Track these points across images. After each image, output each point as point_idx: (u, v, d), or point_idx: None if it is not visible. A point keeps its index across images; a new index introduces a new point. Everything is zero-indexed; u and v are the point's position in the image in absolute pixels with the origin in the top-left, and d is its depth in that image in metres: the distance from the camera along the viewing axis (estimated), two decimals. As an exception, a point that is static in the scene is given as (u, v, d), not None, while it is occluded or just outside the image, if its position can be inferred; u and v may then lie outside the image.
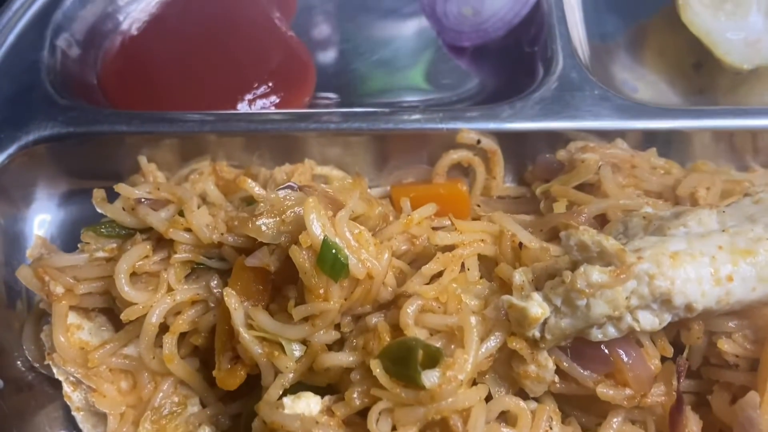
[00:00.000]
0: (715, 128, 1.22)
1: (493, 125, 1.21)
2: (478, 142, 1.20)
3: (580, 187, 1.13)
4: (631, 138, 1.23)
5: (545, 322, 0.85)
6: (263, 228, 0.92)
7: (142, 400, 1.01)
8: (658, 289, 0.82)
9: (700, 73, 1.43)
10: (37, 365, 1.09)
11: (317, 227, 0.88)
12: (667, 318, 0.85)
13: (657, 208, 1.01)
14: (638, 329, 0.85)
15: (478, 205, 1.20)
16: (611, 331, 0.85)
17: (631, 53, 1.49)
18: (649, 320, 0.84)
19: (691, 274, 0.82)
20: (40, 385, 1.10)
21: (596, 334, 0.85)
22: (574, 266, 0.88)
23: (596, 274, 0.82)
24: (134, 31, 1.37)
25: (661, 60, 1.47)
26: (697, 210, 0.91)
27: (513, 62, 1.41)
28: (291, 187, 1.02)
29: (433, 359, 0.83)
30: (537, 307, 0.83)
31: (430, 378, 0.81)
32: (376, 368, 0.83)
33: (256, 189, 1.01)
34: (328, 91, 1.43)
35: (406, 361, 0.82)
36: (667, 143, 1.24)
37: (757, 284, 0.84)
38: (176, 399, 1.00)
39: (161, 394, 1.00)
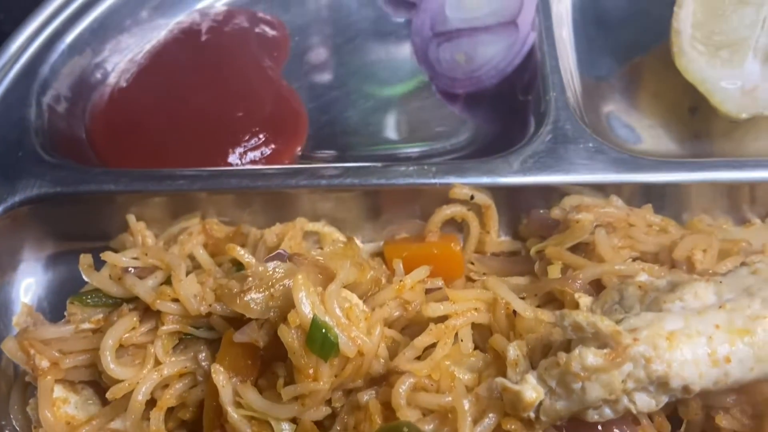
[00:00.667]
0: (711, 181, 1.20)
1: (486, 180, 1.20)
2: (472, 197, 1.18)
3: (576, 246, 1.11)
4: (626, 191, 1.21)
5: (540, 403, 0.83)
6: (251, 304, 0.90)
7: (130, 475, 0.99)
8: (654, 373, 0.80)
9: (696, 117, 1.41)
10: (24, 436, 1.07)
11: (306, 305, 0.86)
12: (664, 399, 0.83)
13: (653, 274, 0.99)
14: (635, 411, 0.83)
15: (472, 263, 1.18)
16: (607, 412, 0.83)
17: (627, 96, 1.47)
18: (645, 402, 0.82)
19: (688, 355, 0.81)
20: (27, 455, 1.08)
21: (592, 415, 0.84)
22: (569, 342, 0.87)
23: (591, 357, 0.80)
24: (123, 83, 1.35)
25: (656, 103, 1.46)
26: (693, 282, 0.89)
27: (507, 110, 1.39)
28: (281, 256, 1.01)
29: (425, 446, 0.81)
30: (531, 391, 0.81)
31: (422, 467, 0.79)
32: (367, 456, 0.81)
33: (245, 257, 1.00)
34: (321, 140, 1.41)
35: (397, 448, 0.81)
36: (662, 196, 1.22)
37: (755, 364, 0.82)
38: (164, 475, 0.98)
39: (148, 470, 0.98)
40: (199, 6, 1.52)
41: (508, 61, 1.36)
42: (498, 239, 1.24)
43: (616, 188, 1.21)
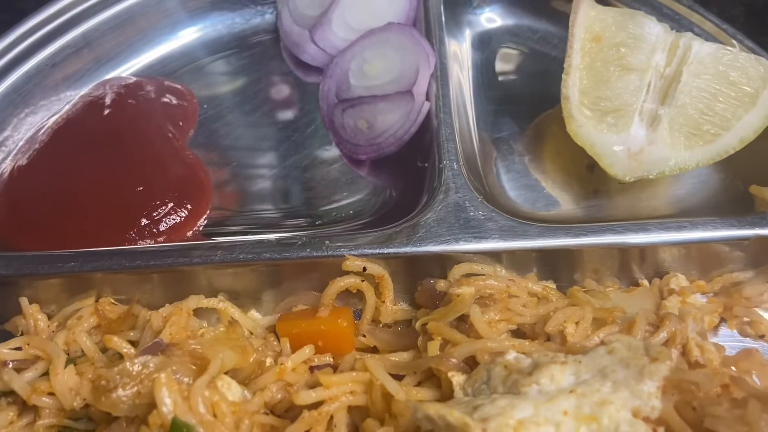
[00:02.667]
0: (597, 245, 1.24)
1: (379, 251, 1.22)
2: (364, 269, 1.20)
3: (461, 318, 1.14)
4: (519, 256, 1.24)
5: (399, 494, 0.85)
6: (118, 403, 0.91)
7: None
8: (501, 464, 0.82)
9: (593, 174, 1.46)
10: None
11: (167, 405, 0.88)
12: (516, 488, 0.85)
13: (524, 350, 1.02)
14: (489, 500, 0.85)
15: (364, 335, 1.20)
16: (463, 501, 0.85)
17: (527, 156, 1.51)
18: (498, 490, 0.84)
19: (535, 444, 0.83)
20: None
21: (450, 504, 0.85)
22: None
23: (441, 450, 0.82)
24: (23, 161, 1.36)
25: (556, 161, 1.50)
26: (551, 365, 0.92)
27: (409, 175, 1.42)
28: (157, 346, 1.01)
29: None
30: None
31: None
32: None
33: (123, 348, 1.01)
34: (227, 208, 1.43)
35: None
36: (555, 259, 1.26)
37: (600, 452, 0.84)
38: None
39: None
40: (108, 76, 1.55)
41: (405, 129, 1.39)
42: (394, 307, 1.25)
43: (509, 253, 1.24)
